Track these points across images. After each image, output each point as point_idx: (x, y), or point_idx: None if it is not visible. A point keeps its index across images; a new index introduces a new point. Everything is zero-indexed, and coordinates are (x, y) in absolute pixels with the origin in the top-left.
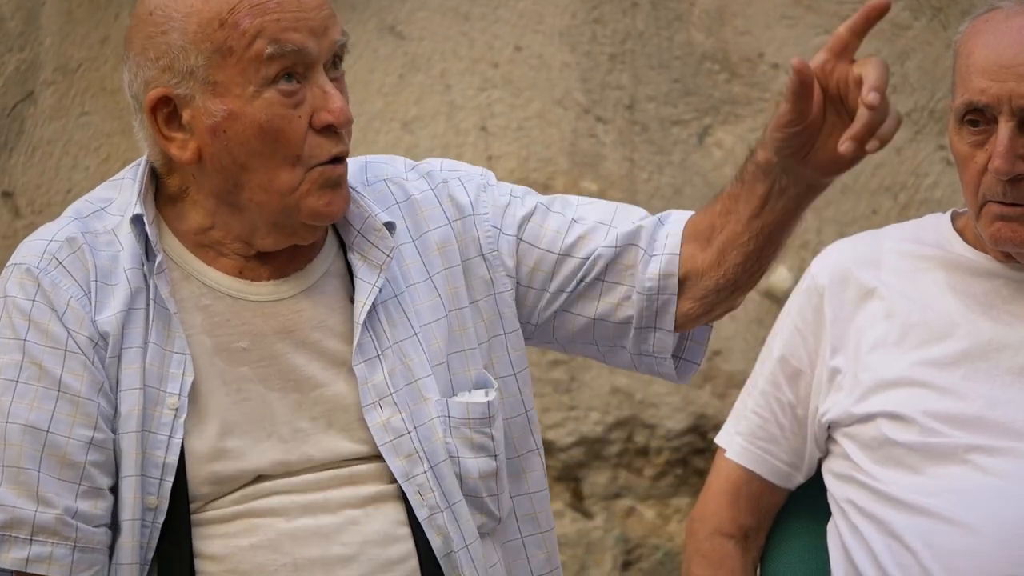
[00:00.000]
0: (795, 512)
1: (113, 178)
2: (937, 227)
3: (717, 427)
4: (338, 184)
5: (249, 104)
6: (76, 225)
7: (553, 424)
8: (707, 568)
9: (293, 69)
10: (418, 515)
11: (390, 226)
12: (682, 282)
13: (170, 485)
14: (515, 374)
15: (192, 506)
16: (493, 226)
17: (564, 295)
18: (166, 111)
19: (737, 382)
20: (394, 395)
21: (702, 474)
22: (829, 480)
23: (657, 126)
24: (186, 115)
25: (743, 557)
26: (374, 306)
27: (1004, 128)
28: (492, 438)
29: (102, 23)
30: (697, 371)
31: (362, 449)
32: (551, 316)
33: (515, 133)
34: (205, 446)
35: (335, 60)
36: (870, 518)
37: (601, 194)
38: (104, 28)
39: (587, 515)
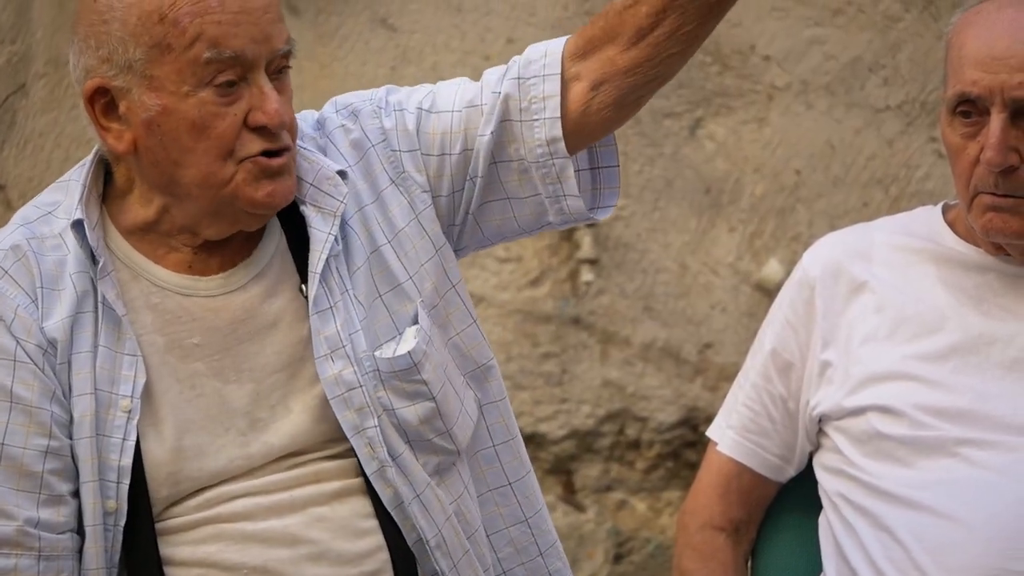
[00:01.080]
0: (786, 505)
1: (60, 180)
2: (928, 220)
3: (709, 420)
4: (280, 173)
5: (183, 101)
6: (21, 232)
7: (545, 417)
8: (698, 561)
9: (232, 73)
10: (367, 469)
11: (342, 174)
12: (596, 86)
13: (127, 488)
14: (454, 286)
15: (155, 509)
16: (392, 149)
17: (471, 192)
18: (104, 101)
19: (729, 375)
20: (346, 347)
21: (694, 467)
22: (820, 474)
23: (649, 118)
24: (123, 106)
25: (734, 550)
26: (328, 258)
27: (996, 119)
28: (425, 383)
29: None
30: (611, 211)
31: (323, 428)
32: (471, 215)
33: None
34: (162, 447)
35: (280, 68)
36: (861, 511)
37: None
38: None
39: (579, 508)
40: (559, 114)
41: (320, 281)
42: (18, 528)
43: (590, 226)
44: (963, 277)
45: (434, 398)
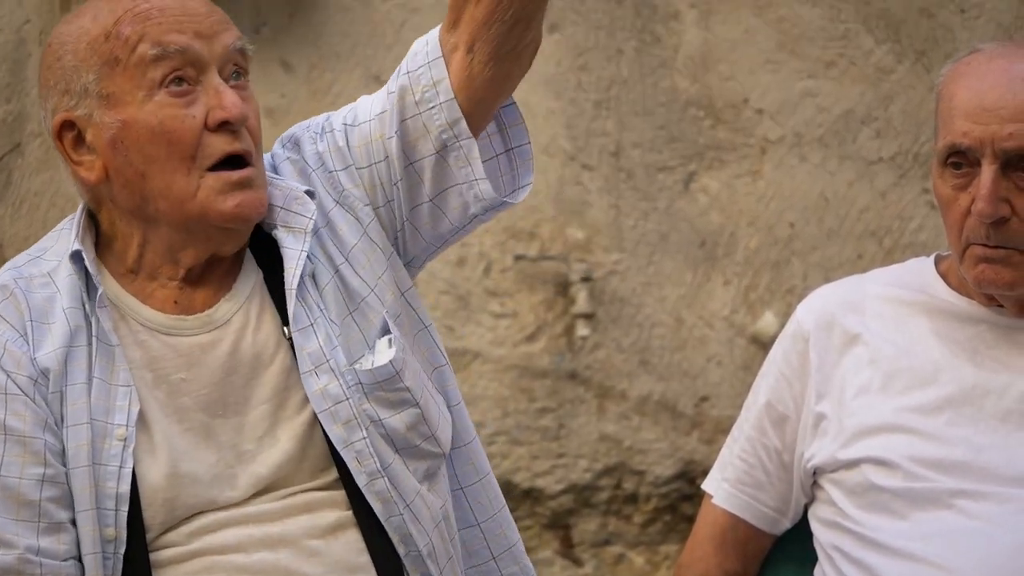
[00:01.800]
0: (782, 558)
1: (52, 230)
2: (921, 271)
3: (705, 473)
4: (245, 186)
5: (141, 109)
6: (9, 273)
7: (542, 472)
8: None
9: (183, 72)
10: (357, 481)
11: (310, 193)
12: (470, 48)
13: (126, 515)
14: (403, 293)
15: (148, 536)
16: (328, 170)
17: (399, 197)
18: (71, 135)
19: (725, 428)
20: (330, 362)
21: (691, 520)
22: (815, 526)
23: (643, 172)
24: (89, 135)
25: None
26: (302, 277)
27: (987, 171)
28: (408, 389)
29: None
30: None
31: (311, 454)
32: (407, 222)
33: None
34: (157, 473)
35: (236, 70)
36: (856, 564)
37: (588, 241)
38: None
39: (577, 563)
40: (452, 95)
41: (298, 299)
42: (19, 556)
43: (585, 280)
44: (956, 329)
45: (418, 404)
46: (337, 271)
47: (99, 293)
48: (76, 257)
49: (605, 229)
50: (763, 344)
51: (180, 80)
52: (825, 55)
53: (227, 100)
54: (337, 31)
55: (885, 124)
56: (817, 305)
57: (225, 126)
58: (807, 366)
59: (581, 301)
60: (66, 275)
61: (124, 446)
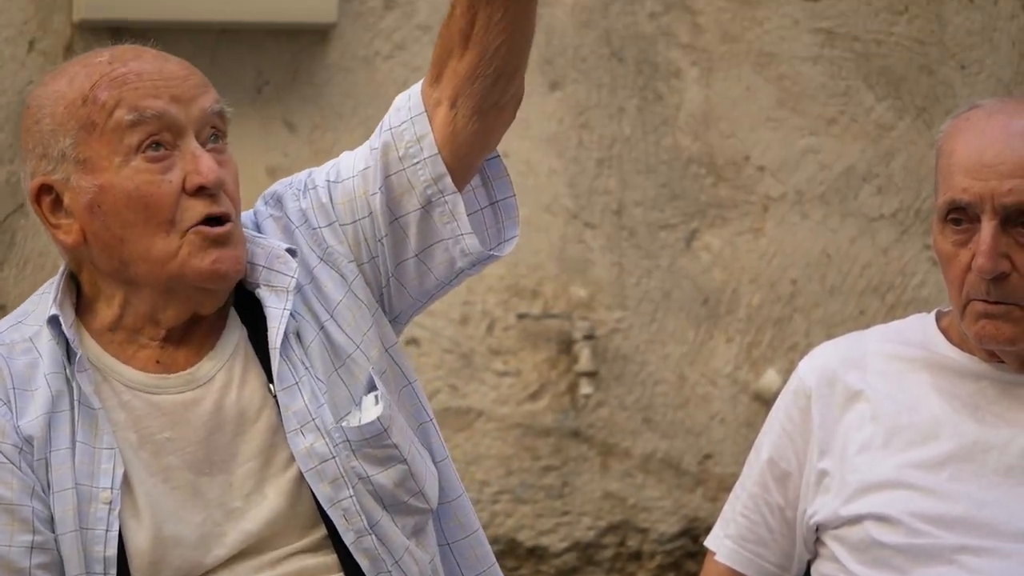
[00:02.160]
0: None
1: (35, 293)
2: (922, 327)
3: (709, 530)
4: (223, 243)
5: (117, 175)
6: None
7: (546, 530)
8: None
9: (159, 137)
10: (344, 539)
11: (292, 251)
12: (454, 103)
13: None
14: (387, 350)
15: None
16: (311, 227)
17: (384, 254)
18: (49, 199)
19: (728, 485)
20: (316, 420)
21: None
22: None
23: (645, 230)
24: (66, 199)
25: None
26: (286, 335)
27: (987, 226)
28: (395, 446)
29: None
30: (515, 244)
31: (299, 511)
32: (392, 278)
33: None
34: (143, 536)
35: (214, 133)
36: None
37: (591, 299)
38: None
39: None
40: (436, 150)
41: (282, 357)
42: None
43: (588, 338)
44: (958, 384)
45: (405, 460)
46: (322, 328)
47: (78, 357)
48: (54, 322)
49: (608, 287)
50: (766, 401)
51: (157, 145)
52: (826, 112)
53: (204, 166)
54: (339, 91)
55: (886, 181)
56: (819, 362)
57: (202, 191)
58: (809, 423)
59: (584, 359)
60: (47, 340)
61: (110, 509)
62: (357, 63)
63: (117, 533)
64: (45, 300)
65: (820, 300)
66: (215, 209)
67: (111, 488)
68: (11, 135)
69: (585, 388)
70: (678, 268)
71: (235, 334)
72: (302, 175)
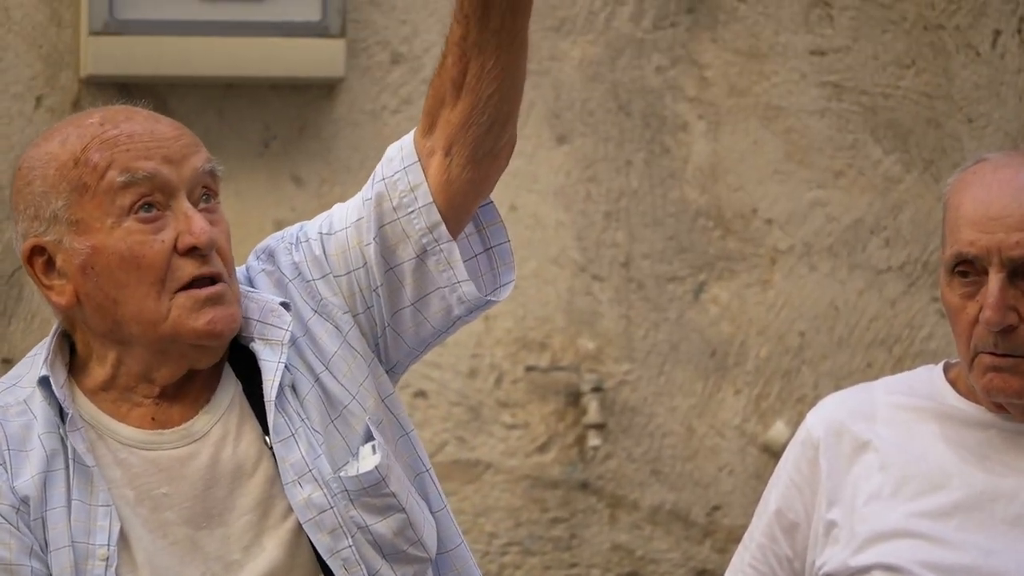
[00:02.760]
0: None
1: (27, 355)
2: (930, 379)
3: None
4: (216, 302)
5: (109, 236)
6: None
7: None
8: None
9: (151, 198)
10: None
11: (285, 305)
12: (448, 151)
13: None
14: (384, 400)
15: None
16: (305, 280)
17: (379, 303)
18: (42, 260)
19: (737, 537)
20: (313, 471)
21: None
22: None
23: (653, 283)
24: (59, 260)
25: None
26: (281, 387)
27: (994, 279)
28: (393, 494)
29: None
30: (511, 289)
31: (298, 561)
32: (388, 327)
33: (511, 292)
34: None
35: (206, 193)
36: None
37: (599, 352)
38: None
39: None
40: (431, 199)
41: (278, 410)
42: None
43: (596, 391)
44: (965, 434)
45: (404, 508)
46: (317, 380)
47: (70, 416)
48: (44, 383)
49: (616, 339)
50: (774, 453)
51: (149, 206)
52: (834, 165)
53: (196, 226)
54: (347, 145)
55: (894, 233)
56: (826, 413)
57: (194, 251)
58: (817, 474)
59: (592, 411)
60: (40, 401)
61: (107, 566)
62: (364, 117)
63: None
64: (37, 361)
65: (828, 352)
66: (205, 270)
67: (108, 545)
68: None
69: (593, 440)
70: (686, 320)
71: (230, 388)
72: (294, 228)
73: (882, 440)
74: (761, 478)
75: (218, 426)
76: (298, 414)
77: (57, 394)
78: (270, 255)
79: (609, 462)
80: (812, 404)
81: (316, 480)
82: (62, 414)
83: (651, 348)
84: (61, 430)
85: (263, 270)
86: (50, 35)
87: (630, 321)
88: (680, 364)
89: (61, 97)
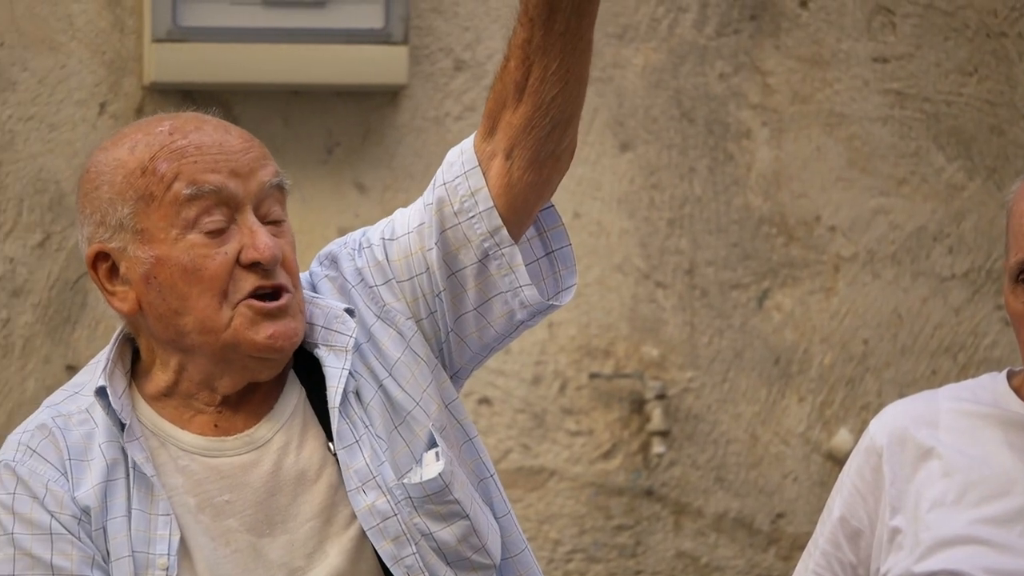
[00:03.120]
0: None
1: (89, 362)
2: (993, 386)
3: None
4: (278, 316)
5: (173, 248)
6: (47, 412)
7: None
8: None
9: (217, 211)
10: None
11: (349, 311)
12: (509, 154)
13: None
14: (447, 406)
15: None
16: (368, 286)
17: (442, 308)
18: (105, 266)
19: (801, 544)
20: (377, 478)
21: None
22: None
23: (716, 290)
24: (123, 267)
25: None
26: (345, 393)
27: None
28: (457, 501)
29: None
30: (572, 295)
31: (361, 568)
32: (452, 332)
33: (575, 300)
34: None
35: (275, 215)
36: None
37: (663, 359)
38: None
39: None
40: (492, 203)
41: (342, 416)
42: None
43: (660, 398)
44: None
45: (467, 516)
46: (381, 386)
47: (127, 427)
48: (101, 393)
49: (680, 347)
50: (839, 460)
51: (218, 229)
52: (897, 172)
53: (260, 242)
54: (410, 151)
55: (957, 241)
56: (890, 420)
57: (257, 266)
58: (881, 481)
59: (656, 419)
60: (101, 410)
61: None
62: (427, 124)
63: None
64: (98, 369)
65: (892, 360)
66: (267, 283)
67: (168, 555)
68: None
69: (657, 447)
70: (750, 328)
71: (294, 395)
72: (356, 234)
73: (945, 447)
74: (825, 485)
75: (281, 433)
76: (362, 420)
77: (114, 404)
78: (333, 261)
79: (673, 469)
80: (876, 412)
81: (380, 487)
82: (121, 423)
83: (715, 355)
84: (121, 439)
85: (326, 276)
86: (113, 42)
87: (694, 328)
88: (744, 371)
89: (124, 104)
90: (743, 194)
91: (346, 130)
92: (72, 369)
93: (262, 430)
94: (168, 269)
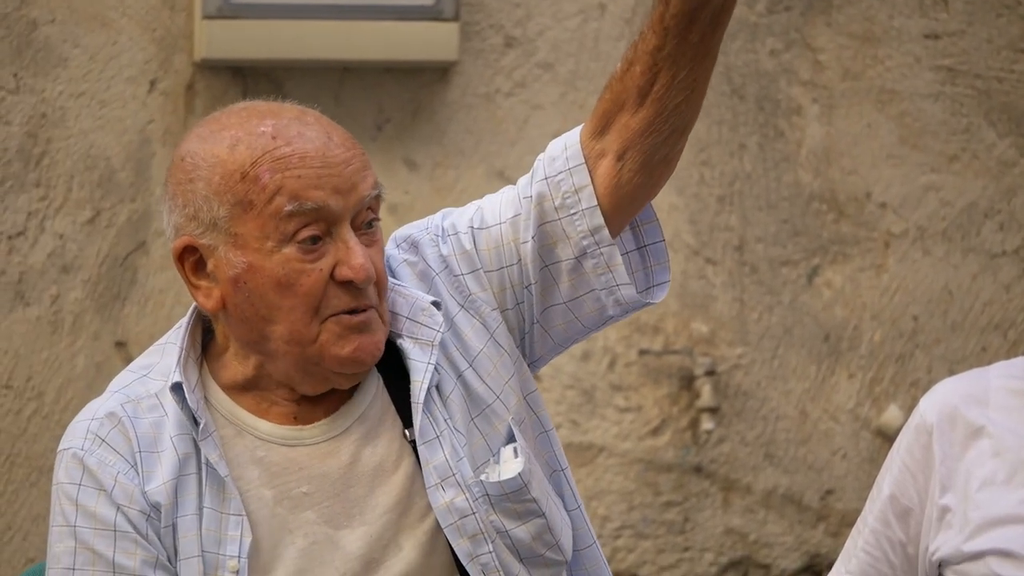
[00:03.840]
0: None
1: (156, 343)
2: None
3: (831, 566)
4: (363, 330)
5: (268, 258)
6: (116, 398)
7: (667, 566)
8: None
9: (316, 228)
10: None
11: (436, 304)
12: (621, 156)
13: None
14: (525, 398)
15: None
16: (453, 274)
17: (531, 300)
18: (193, 259)
19: (850, 521)
20: (456, 475)
21: None
22: None
23: (766, 267)
24: (210, 264)
25: None
26: (428, 388)
27: None
28: (534, 500)
29: None
30: (667, 291)
31: (433, 562)
32: (537, 323)
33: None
34: None
35: (369, 220)
36: None
37: (712, 335)
38: None
39: None
40: (595, 202)
41: (424, 411)
42: None
43: (709, 374)
44: None
45: (543, 514)
46: (461, 377)
47: (202, 425)
48: (176, 389)
49: (729, 323)
50: (888, 437)
51: (314, 238)
52: (948, 148)
53: (355, 260)
54: (460, 128)
55: (1008, 217)
56: (940, 398)
57: (349, 284)
58: (931, 459)
59: (706, 395)
60: (172, 399)
61: None
62: (478, 100)
63: None
64: (169, 353)
65: (942, 336)
66: (360, 303)
67: (238, 557)
68: (132, 173)
69: (706, 424)
70: (799, 304)
71: (372, 385)
72: (436, 219)
73: (996, 426)
74: (875, 462)
75: (359, 422)
76: (442, 415)
77: (190, 401)
78: (413, 245)
79: (722, 446)
80: (926, 388)
81: (458, 484)
82: (195, 418)
83: (764, 332)
84: (194, 433)
85: (406, 260)
86: (163, 19)
87: (743, 305)
88: (793, 348)
89: (175, 81)
90: (793, 171)
91: (396, 107)
92: (121, 346)
93: (340, 419)
94: (260, 278)
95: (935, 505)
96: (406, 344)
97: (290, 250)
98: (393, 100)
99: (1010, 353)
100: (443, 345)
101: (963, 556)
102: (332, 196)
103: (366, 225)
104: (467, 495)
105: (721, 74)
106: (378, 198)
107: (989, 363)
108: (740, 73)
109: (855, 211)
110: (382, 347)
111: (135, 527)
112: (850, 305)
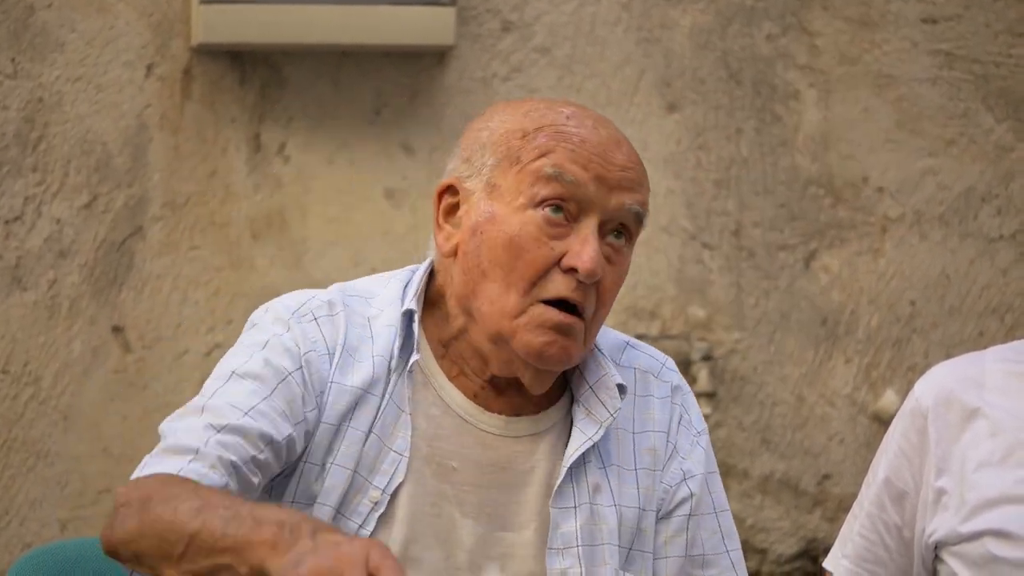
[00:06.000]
0: None
1: (381, 274)
2: None
3: (828, 551)
4: (562, 331)
5: (512, 214)
6: (341, 295)
7: None
8: None
9: (566, 204)
10: None
11: (621, 388)
12: None
13: None
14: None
15: None
16: (662, 498)
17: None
18: (450, 201)
19: (847, 506)
20: (579, 548)
21: None
22: None
23: (763, 251)
24: (462, 209)
25: None
26: (583, 458)
27: None
28: None
29: (209, 158)
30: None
31: None
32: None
33: None
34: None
35: (620, 230)
36: None
37: (709, 320)
38: (211, 163)
39: None
40: None
41: (570, 477)
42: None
43: (706, 359)
44: None
45: None
46: (645, 513)
47: (412, 360)
48: (408, 316)
49: (726, 308)
50: (885, 422)
51: (559, 209)
52: (945, 133)
53: (587, 253)
54: (458, 113)
55: (1006, 202)
56: (935, 381)
57: (573, 273)
58: (926, 442)
59: (702, 380)
60: (385, 324)
61: (373, 509)
62: (475, 85)
63: (369, 533)
64: (394, 286)
65: (939, 321)
66: (574, 295)
67: (383, 490)
68: (129, 158)
69: (703, 408)
70: (796, 289)
71: (559, 416)
72: (695, 430)
73: (992, 407)
74: (871, 447)
75: (528, 440)
76: (588, 491)
77: (416, 332)
78: (684, 428)
79: (719, 431)
80: (923, 373)
81: (577, 557)
82: (403, 348)
83: (761, 316)
84: (392, 362)
85: (674, 413)
86: (160, 4)
87: (740, 289)
88: (790, 333)
89: (172, 65)
90: (790, 155)
91: (394, 91)
92: (118, 331)
93: (520, 425)
94: (497, 231)
95: (931, 488)
96: (578, 412)
97: (535, 213)
98: (390, 85)
99: (1007, 337)
100: (647, 479)
101: (960, 537)
102: (593, 182)
103: (614, 235)
104: (582, 568)
105: (718, 58)
106: (638, 219)
107: (986, 347)
108: (737, 57)
109: (852, 196)
110: (573, 359)
111: (305, 388)
112: (847, 290)
